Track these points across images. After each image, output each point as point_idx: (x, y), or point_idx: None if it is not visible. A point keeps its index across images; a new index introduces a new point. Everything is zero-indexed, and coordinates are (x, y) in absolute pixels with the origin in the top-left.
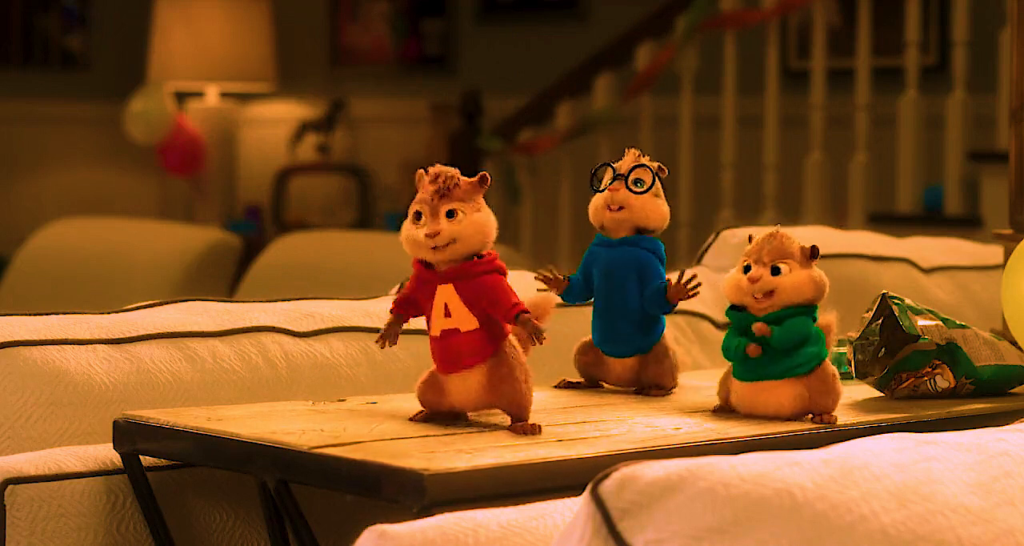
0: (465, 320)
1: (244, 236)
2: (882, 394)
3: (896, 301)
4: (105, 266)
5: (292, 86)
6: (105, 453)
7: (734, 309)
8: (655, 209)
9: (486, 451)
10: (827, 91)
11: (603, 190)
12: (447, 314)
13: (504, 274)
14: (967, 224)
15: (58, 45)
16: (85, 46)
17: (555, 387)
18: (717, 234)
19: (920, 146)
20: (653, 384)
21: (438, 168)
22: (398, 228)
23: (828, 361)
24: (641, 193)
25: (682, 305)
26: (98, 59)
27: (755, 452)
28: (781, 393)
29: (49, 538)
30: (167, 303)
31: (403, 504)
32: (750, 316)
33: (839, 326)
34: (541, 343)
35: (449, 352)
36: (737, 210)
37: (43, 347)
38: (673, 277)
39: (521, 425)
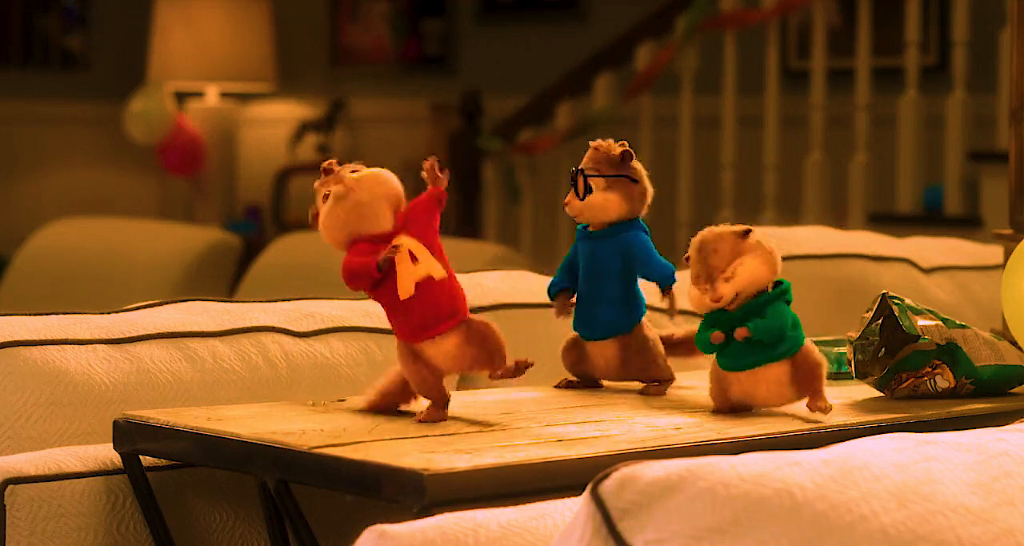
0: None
1: (244, 236)
2: (882, 394)
3: (896, 301)
4: (105, 266)
5: (292, 86)
6: (105, 453)
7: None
8: (605, 205)
9: (486, 451)
10: (827, 91)
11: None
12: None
13: None
14: (967, 224)
15: (58, 45)
16: (85, 46)
17: (555, 387)
18: None
19: (920, 146)
20: (647, 379)
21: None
22: None
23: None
24: (585, 197)
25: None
26: (98, 59)
27: (755, 452)
28: (779, 372)
29: (49, 538)
30: (167, 303)
31: (403, 504)
32: (725, 314)
33: (840, 325)
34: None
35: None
36: (737, 210)
37: (43, 347)
38: None
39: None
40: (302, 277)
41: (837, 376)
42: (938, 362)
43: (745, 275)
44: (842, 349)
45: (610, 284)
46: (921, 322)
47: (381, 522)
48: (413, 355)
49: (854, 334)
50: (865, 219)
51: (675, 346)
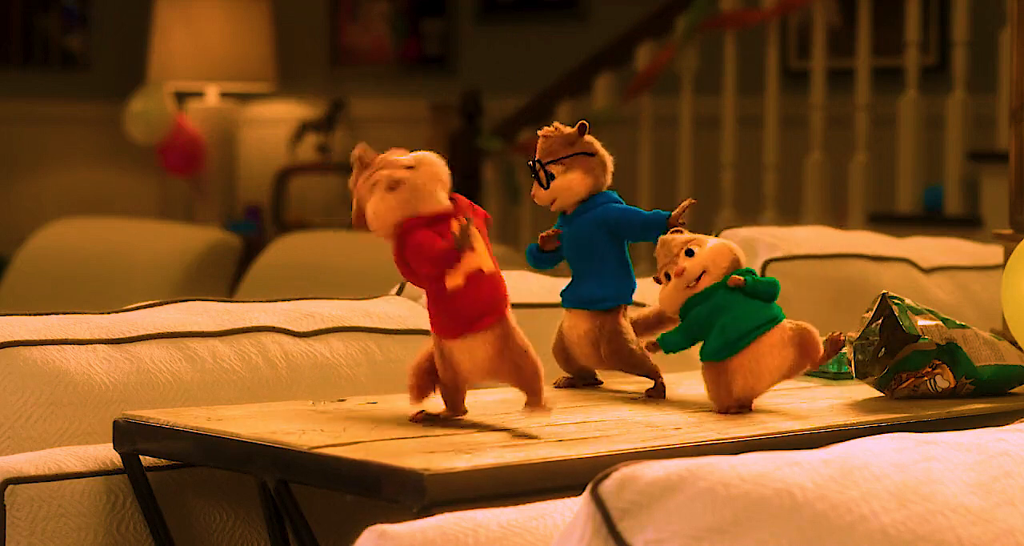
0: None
1: (244, 236)
2: (882, 394)
3: (896, 301)
4: (105, 266)
5: (292, 86)
6: (105, 453)
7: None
8: (571, 186)
9: (486, 451)
10: (827, 91)
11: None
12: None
13: None
14: (967, 224)
15: (58, 45)
16: (85, 46)
17: (555, 386)
18: (717, 234)
19: (920, 146)
20: (621, 368)
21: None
22: None
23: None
24: (549, 185)
25: None
26: (98, 59)
27: (755, 452)
28: (775, 339)
29: (49, 538)
30: (167, 303)
31: (403, 504)
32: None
33: (840, 325)
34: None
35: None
36: (737, 210)
37: (43, 347)
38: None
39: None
40: (302, 277)
41: (837, 376)
42: (938, 362)
43: (710, 252)
44: (842, 349)
45: (599, 261)
46: (921, 322)
47: (381, 522)
48: (445, 353)
49: (854, 334)
50: (865, 219)
51: (652, 326)
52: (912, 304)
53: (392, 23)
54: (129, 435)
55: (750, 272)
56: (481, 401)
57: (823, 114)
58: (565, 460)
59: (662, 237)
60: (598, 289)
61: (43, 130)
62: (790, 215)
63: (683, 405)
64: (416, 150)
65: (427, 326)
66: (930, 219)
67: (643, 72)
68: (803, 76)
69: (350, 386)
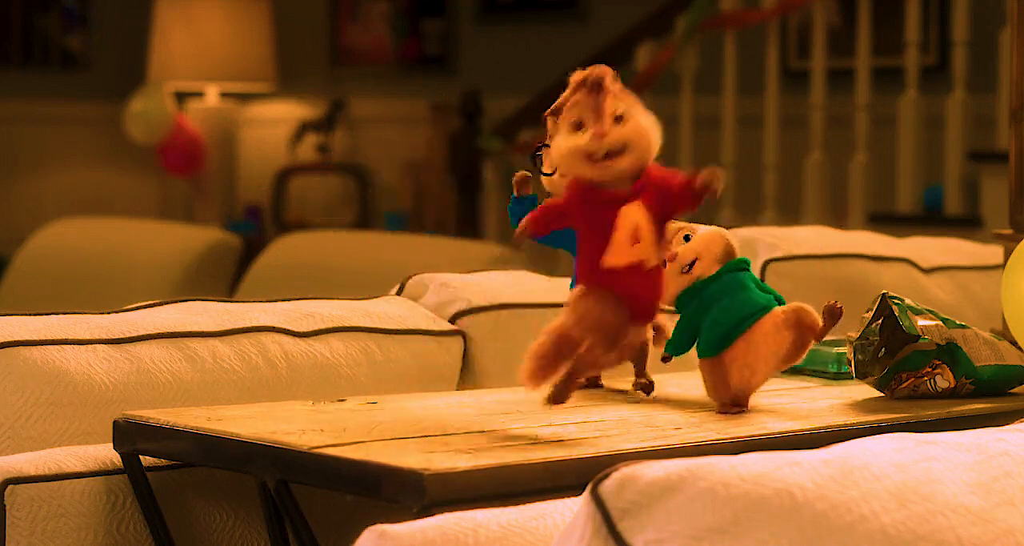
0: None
1: (244, 236)
2: (882, 394)
3: (896, 301)
4: (105, 266)
5: (292, 86)
6: (105, 453)
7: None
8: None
9: (486, 451)
10: (827, 91)
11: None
12: (636, 240)
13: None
14: (967, 224)
15: (58, 45)
16: (85, 46)
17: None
18: None
19: (920, 146)
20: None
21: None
22: (398, 228)
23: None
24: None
25: None
26: (98, 59)
27: (755, 452)
28: (769, 327)
29: (49, 538)
30: (167, 303)
31: (403, 504)
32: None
33: (839, 326)
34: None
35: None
36: (737, 210)
37: (43, 347)
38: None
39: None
40: (302, 277)
41: (837, 376)
42: (938, 362)
43: (703, 239)
44: (842, 349)
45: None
46: (921, 322)
47: (381, 522)
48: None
49: (854, 334)
50: (865, 219)
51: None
52: (912, 304)
53: (392, 23)
54: (129, 435)
55: (744, 262)
56: (481, 401)
57: (823, 114)
58: (565, 460)
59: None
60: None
61: (43, 130)
62: (790, 215)
63: (683, 405)
64: (415, 152)
65: (427, 326)
66: (930, 219)
67: (643, 72)
68: (803, 76)
69: (350, 386)
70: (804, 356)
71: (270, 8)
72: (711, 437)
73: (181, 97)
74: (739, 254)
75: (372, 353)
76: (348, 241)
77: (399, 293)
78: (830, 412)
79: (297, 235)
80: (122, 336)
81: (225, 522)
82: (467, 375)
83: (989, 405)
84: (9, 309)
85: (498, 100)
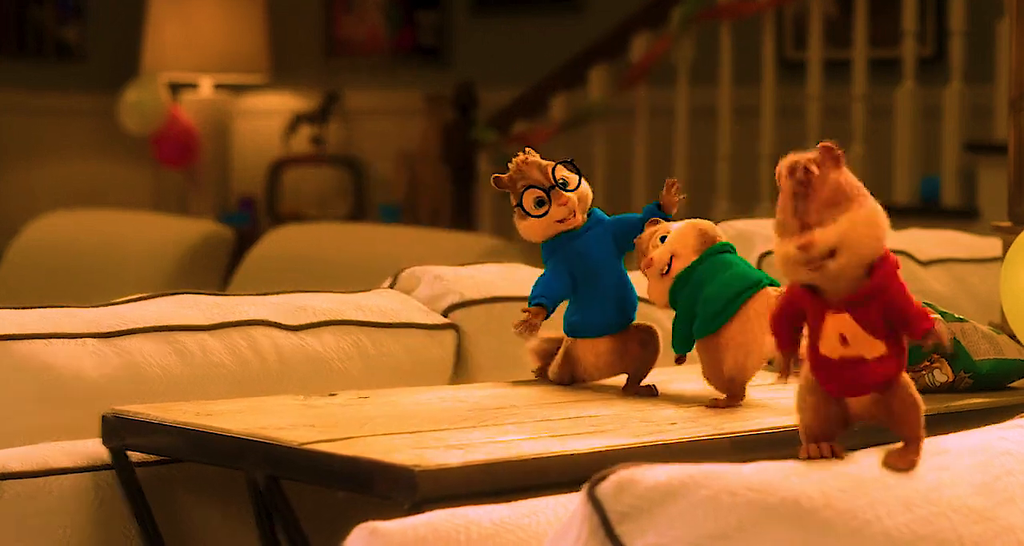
0: (870, 346)
1: (238, 228)
2: None
3: None
4: (99, 258)
5: (286, 77)
6: (93, 448)
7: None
8: (584, 195)
9: (478, 447)
10: (824, 82)
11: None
12: (844, 342)
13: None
14: (964, 216)
15: (53, 36)
16: (80, 37)
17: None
18: None
19: (917, 137)
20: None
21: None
22: (392, 220)
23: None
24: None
25: None
26: (93, 50)
27: (752, 448)
28: (762, 307)
29: (36, 534)
30: (156, 296)
31: (394, 500)
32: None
33: None
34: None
35: (853, 379)
36: (733, 201)
37: (31, 341)
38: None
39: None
40: (296, 269)
41: None
42: (936, 356)
43: (676, 235)
44: None
45: (606, 278)
46: None
47: (372, 519)
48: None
49: None
50: None
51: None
52: None
53: (386, 14)
54: (117, 430)
55: (727, 245)
56: (474, 395)
57: (820, 105)
58: (559, 456)
59: (636, 238)
60: (612, 310)
61: (37, 121)
62: None
63: (679, 400)
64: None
65: (419, 319)
66: (927, 210)
67: (639, 63)
68: (799, 67)
69: (342, 380)
70: None
71: None
72: (707, 432)
73: (175, 88)
74: (724, 241)
75: (364, 347)
76: (342, 233)
77: (392, 286)
78: None
79: (291, 227)
80: (111, 330)
81: (214, 518)
82: (460, 369)
83: (988, 399)
84: (1, 302)
85: (493, 91)
